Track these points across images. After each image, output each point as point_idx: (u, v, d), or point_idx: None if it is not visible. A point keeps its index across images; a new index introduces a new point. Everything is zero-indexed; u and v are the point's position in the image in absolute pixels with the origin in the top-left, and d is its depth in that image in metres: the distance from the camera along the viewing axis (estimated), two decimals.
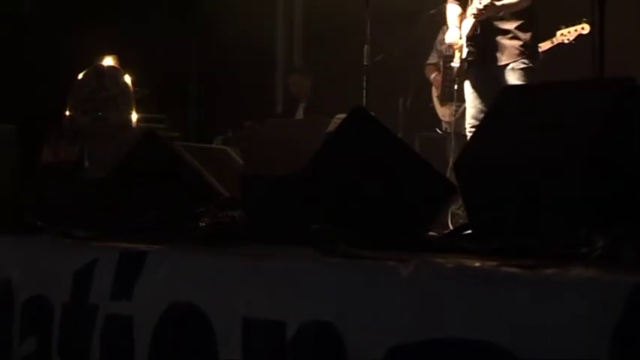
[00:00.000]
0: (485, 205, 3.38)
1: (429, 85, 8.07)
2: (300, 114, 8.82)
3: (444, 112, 7.72)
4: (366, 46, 5.99)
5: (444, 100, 7.48)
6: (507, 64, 6.07)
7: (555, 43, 7.05)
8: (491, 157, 3.48)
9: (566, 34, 6.96)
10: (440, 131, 7.90)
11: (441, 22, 6.83)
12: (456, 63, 6.31)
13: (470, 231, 3.49)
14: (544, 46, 7.07)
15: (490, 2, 6.00)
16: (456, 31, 6.32)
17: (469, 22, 6.19)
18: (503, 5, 6.06)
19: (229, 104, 9.35)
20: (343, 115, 4.03)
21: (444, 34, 6.67)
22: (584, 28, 6.75)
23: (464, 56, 6.20)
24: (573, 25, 6.82)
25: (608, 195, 2.96)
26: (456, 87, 6.38)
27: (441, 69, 7.43)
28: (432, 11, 6.99)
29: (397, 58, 8.42)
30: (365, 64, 5.98)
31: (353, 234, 3.29)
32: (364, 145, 3.78)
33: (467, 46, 6.19)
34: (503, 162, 3.36)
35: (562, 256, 2.46)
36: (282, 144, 4.46)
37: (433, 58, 8.04)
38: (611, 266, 2.27)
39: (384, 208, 3.57)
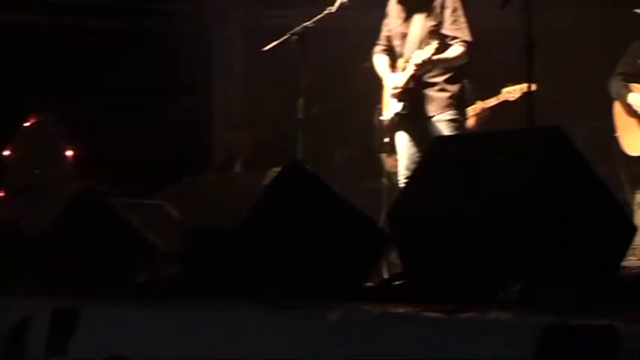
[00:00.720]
0: (418, 252, 3.43)
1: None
2: (238, 168, 8.81)
3: (390, 163, 7.71)
4: (300, 99, 6.02)
5: (380, 151, 7.49)
6: (434, 116, 6.11)
7: (501, 100, 7.09)
8: (423, 206, 3.53)
9: (512, 92, 6.97)
10: (385, 181, 7.89)
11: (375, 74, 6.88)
12: (386, 116, 6.32)
13: (403, 280, 3.53)
14: (489, 102, 7.12)
15: (428, 58, 6.01)
16: (392, 76, 6.30)
17: (402, 75, 6.21)
18: (439, 60, 6.09)
19: (167, 159, 9.32)
20: (279, 169, 4.07)
21: None
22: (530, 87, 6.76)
23: (396, 109, 6.21)
24: (519, 83, 6.86)
25: (542, 235, 3.03)
26: (387, 140, 6.39)
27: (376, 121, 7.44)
28: (366, 64, 7.05)
29: (335, 110, 8.45)
30: (300, 116, 6.02)
31: (288, 284, 3.32)
32: (299, 198, 3.82)
33: (399, 100, 6.20)
34: (436, 209, 3.42)
35: (481, 301, 2.53)
36: (220, 198, 4.49)
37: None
38: (526, 309, 2.34)
39: (319, 259, 3.60)
